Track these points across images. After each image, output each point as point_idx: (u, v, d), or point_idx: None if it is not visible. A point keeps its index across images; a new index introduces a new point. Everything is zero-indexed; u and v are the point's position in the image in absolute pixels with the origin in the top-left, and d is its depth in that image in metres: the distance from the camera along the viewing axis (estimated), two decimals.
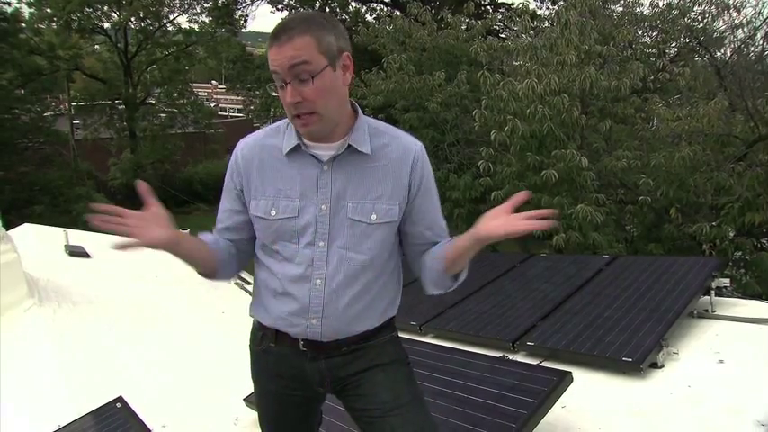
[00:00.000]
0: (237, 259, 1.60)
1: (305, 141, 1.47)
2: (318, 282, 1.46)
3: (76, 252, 7.03)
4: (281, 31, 1.35)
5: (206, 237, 1.57)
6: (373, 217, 1.46)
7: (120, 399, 2.84)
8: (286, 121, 1.51)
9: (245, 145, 1.54)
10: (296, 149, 1.47)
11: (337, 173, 1.46)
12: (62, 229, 8.09)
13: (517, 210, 1.37)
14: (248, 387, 2.86)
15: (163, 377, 3.65)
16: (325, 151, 1.47)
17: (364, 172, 1.47)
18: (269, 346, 1.57)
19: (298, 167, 1.47)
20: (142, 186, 1.38)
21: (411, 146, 1.51)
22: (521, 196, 1.36)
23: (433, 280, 1.55)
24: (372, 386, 1.50)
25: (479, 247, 1.40)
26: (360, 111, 1.51)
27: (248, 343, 1.66)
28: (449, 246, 1.48)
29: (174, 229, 1.42)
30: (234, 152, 1.55)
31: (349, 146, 1.46)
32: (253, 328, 1.64)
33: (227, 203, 1.57)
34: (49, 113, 20.61)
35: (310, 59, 1.34)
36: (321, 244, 1.46)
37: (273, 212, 1.47)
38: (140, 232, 1.33)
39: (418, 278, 1.64)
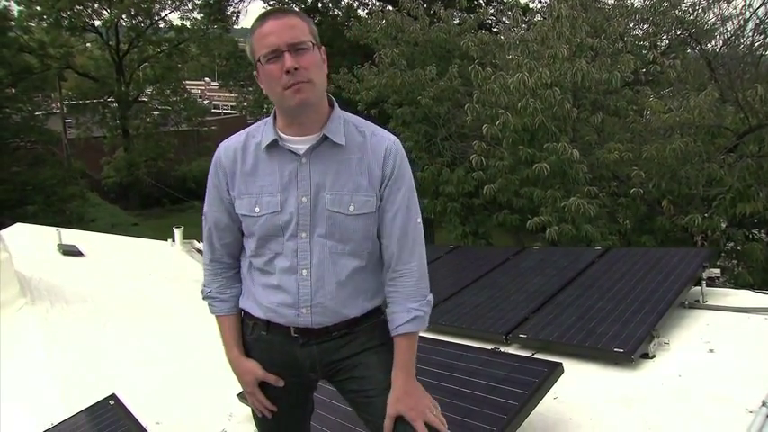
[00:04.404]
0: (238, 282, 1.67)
1: (282, 135, 1.50)
2: (305, 272, 1.50)
3: (70, 251, 7.01)
4: (275, 11, 1.45)
5: (225, 305, 1.65)
6: (351, 208, 1.49)
7: (113, 396, 2.83)
8: (264, 120, 1.55)
9: (226, 148, 1.57)
10: (273, 145, 1.50)
11: (315, 165, 1.49)
12: (55, 228, 8.05)
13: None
14: None
15: (156, 374, 3.65)
16: (301, 145, 1.50)
17: (341, 164, 1.50)
18: (260, 335, 1.60)
19: (277, 162, 1.50)
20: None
21: (385, 139, 1.54)
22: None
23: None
24: (367, 368, 1.55)
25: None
26: (335, 104, 1.54)
27: None
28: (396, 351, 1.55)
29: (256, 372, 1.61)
30: (216, 154, 1.58)
31: (325, 137, 1.48)
32: (243, 319, 1.66)
33: (216, 204, 1.60)
34: (40, 112, 20.51)
35: (304, 35, 1.44)
36: (303, 235, 1.50)
37: (257, 209, 1.51)
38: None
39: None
